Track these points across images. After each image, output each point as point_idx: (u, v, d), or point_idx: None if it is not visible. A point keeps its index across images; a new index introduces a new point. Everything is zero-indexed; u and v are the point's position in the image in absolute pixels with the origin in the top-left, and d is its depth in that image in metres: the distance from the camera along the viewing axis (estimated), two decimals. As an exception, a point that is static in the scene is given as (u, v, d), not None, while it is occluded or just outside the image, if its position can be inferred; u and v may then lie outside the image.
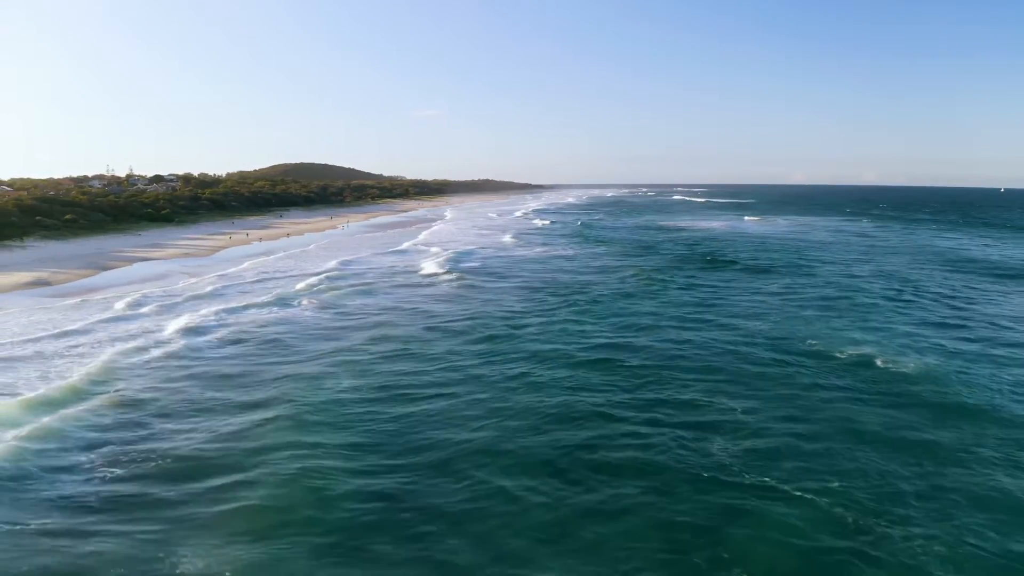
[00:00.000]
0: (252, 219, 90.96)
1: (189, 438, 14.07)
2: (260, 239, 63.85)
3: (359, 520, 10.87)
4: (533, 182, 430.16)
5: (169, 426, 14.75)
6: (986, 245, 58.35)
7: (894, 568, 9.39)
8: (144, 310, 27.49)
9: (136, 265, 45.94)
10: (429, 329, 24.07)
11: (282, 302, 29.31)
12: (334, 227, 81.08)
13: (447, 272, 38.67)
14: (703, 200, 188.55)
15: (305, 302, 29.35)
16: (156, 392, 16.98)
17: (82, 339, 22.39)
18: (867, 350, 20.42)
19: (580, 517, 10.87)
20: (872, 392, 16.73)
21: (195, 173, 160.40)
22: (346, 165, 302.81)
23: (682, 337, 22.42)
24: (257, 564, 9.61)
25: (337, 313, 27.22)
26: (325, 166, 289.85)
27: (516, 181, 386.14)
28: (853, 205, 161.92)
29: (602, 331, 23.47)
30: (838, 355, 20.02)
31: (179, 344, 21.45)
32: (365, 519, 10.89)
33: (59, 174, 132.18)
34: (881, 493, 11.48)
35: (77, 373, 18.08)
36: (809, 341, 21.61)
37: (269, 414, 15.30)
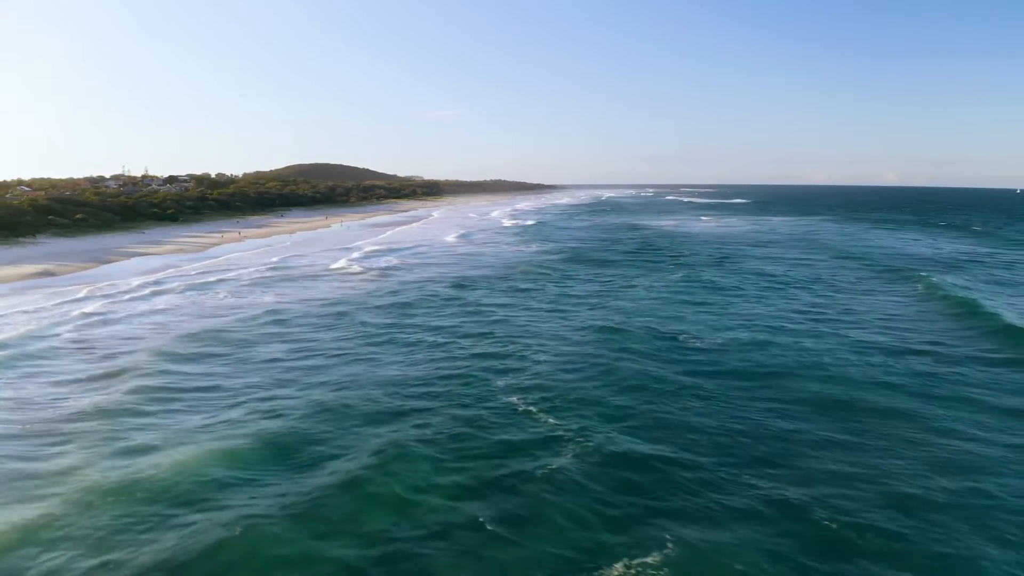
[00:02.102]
0: (254, 219, 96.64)
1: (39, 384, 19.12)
2: (252, 237, 69.42)
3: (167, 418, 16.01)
4: (545, 183, 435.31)
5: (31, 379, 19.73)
6: (929, 245, 61.63)
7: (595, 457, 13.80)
8: (97, 296, 32.95)
9: (133, 260, 51.17)
10: (294, 315, 28.40)
11: (198, 289, 34.85)
12: (327, 226, 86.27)
13: (359, 267, 43.48)
14: (687, 200, 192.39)
15: (219, 292, 34.27)
16: (44, 354, 22.21)
17: (27, 316, 28.14)
18: (695, 331, 24.61)
19: (399, 446, 14.61)
20: (672, 361, 20.78)
21: (212, 173, 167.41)
22: (361, 166, 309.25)
23: (535, 326, 26.11)
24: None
25: (231, 301, 31.77)
26: (339, 167, 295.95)
27: (528, 182, 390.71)
28: (847, 205, 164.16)
29: (460, 319, 27.38)
30: (674, 336, 23.97)
31: (80, 322, 26.64)
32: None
33: (79, 174, 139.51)
34: (618, 426, 15.50)
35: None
36: (653, 324, 25.66)
37: (112, 368, 20.37)
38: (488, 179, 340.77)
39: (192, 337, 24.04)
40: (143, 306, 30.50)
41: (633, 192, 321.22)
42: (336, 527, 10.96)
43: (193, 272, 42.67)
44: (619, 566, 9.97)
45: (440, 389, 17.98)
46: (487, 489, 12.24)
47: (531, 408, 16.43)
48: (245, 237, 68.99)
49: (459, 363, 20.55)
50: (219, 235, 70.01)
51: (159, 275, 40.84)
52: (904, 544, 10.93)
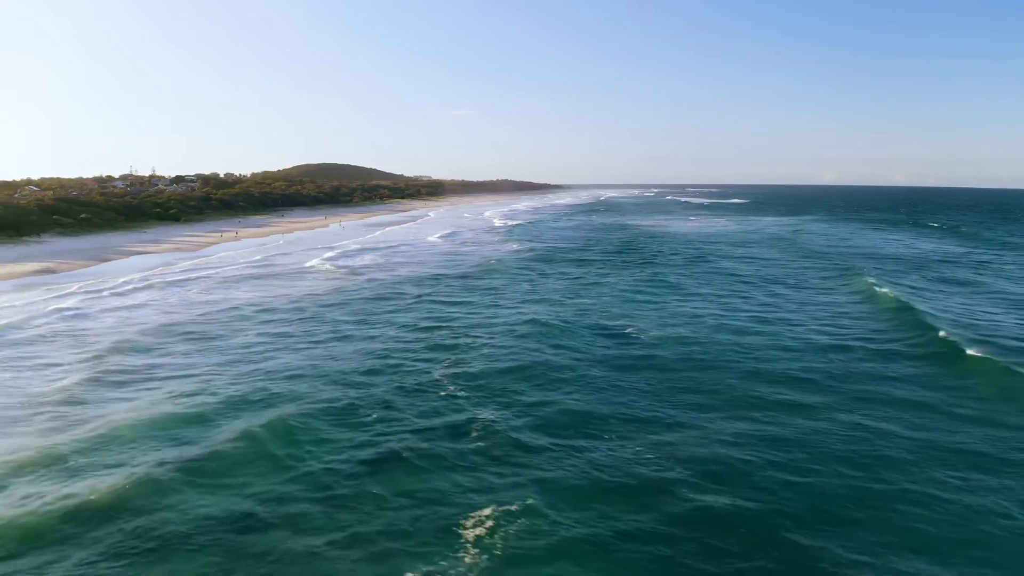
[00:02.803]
0: (255, 218, 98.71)
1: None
2: (249, 236, 71.47)
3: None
4: (551, 182, 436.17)
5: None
6: (909, 245, 62.72)
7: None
8: (82, 292, 35.07)
9: (132, 258, 53.21)
10: (256, 309, 30.17)
11: (176, 286, 36.92)
12: (325, 226, 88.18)
13: (332, 266, 45.22)
14: (685, 200, 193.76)
15: (194, 288, 36.22)
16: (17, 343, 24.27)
17: (12, 310, 30.28)
18: (642, 327, 26.02)
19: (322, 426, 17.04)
20: (608, 356, 22.16)
21: (221, 173, 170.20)
22: (370, 166, 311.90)
23: (490, 322, 27.55)
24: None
25: (202, 297, 33.55)
26: (346, 166, 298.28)
27: (533, 181, 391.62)
28: (846, 206, 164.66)
29: (419, 315, 28.88)
30: (618, 332, 25.38)
31: (56, 315, 28.80)
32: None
33: (88, 174, 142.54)
34: (530, 412, 17.16)
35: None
36: (604, 321, 27.16)
37: (83, 356, 22.24)
38: (493, 179, 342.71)
39: (153, 330, 25.88)
40: (121, 301, 32.41)
41: (636, 192, 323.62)
42: (244, 486, 12.79)
43: (179, 270, 44.65)
44: (478, 515, 11.74)
45: (379, 379, 19.55)
46: (390, 461, 13.92)
47: (457, 395, 18.05)
48: (242, 237, 71.04)
49: (405, 355, 22.14)
50: (218, 234, 72.08)
51: (149, 272, 42.86)
52: (757, 524, 11.76)
